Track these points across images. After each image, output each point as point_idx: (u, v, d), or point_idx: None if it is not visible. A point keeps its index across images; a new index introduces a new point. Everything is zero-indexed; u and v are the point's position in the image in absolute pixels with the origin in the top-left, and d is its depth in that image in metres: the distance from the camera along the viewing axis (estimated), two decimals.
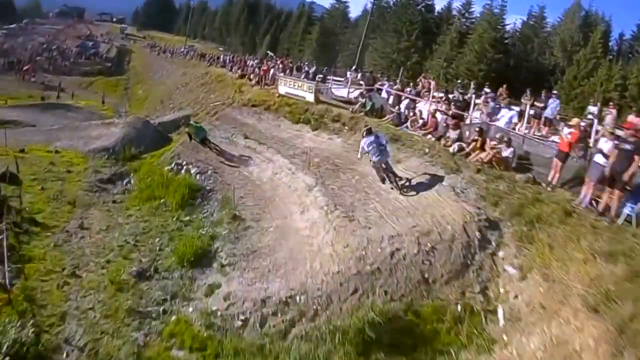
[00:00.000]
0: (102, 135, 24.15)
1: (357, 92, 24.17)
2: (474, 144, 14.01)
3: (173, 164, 19.17)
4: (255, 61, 35.60)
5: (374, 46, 50.27)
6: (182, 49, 58.40)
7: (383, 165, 12.41)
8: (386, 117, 18.35)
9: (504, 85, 21.28)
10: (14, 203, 15.66)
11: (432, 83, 23.07)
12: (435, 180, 12.81)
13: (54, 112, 31.79)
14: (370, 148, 12.16)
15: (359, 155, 13.56)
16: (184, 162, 19.12)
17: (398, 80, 29.27)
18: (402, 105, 19.24)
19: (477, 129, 14.35)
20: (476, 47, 42.85)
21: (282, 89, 23.15)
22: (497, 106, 17.78)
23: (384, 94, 20.89)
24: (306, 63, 31.99)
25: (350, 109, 19.81)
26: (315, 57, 54.48)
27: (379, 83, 22.20)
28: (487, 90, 21.97)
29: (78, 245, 13.36)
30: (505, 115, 16.48)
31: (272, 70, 27.82)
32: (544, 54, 44.28)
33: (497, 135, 14.07)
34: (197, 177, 17.90)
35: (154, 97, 42.61)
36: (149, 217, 15.15)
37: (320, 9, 71.51)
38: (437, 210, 11.43)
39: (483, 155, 13.31)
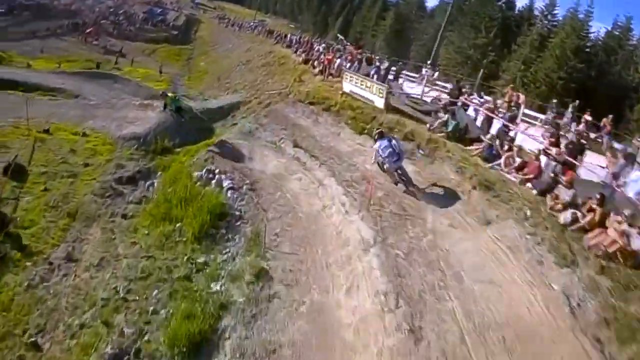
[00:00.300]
0: (138, 118, 21.38)
1: (432, 94, 20.22)
2: (591, 215, 9.33)
3: (204, 170, 15.76)
4: (322, 46, 31.29)
5: (450, 39, 45.54)
6: (251, 23, 55.06)
7: (398, 171, 11.66)
8: (473, 146, 13.66)
9: (610, 116, 16.62)
10: (8, 208, 13.13)
11: (522, 97, 18.09)
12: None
13: (100, 82, 29.64)
14: (386, 153, 11.30)
15: (372, 161, 12.71)
16: (217, 170, 15.66)
17: (477, 82, 24.15)
18: (493, 129, 14.48)
19: (597, 195, 9.55)
20: (557, 53, 38.66)
21: (347, 86, 18.91)
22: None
23: (470, 111, 16.13)
24: (377, 57, 27.27)
25: (428, 125, 15.29)
26: (387, 44, 51.10)
27: (465, 96, 17.25)
28: (588, 118, 16.81)
29: (56, 288, 10.34)
30: (638, 182, 10.99)
31: (338, 61, 23.51)
32: (628, 69, 38.76)
33: (627, 213, 9.13)
34: (229, 193, 14.37)
35: (214, 71, 39.71)
36: (155, 251, 11.82)
37: None
38: (547, 345, 7.09)
39: (606, 240, 8.70)
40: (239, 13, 71.82)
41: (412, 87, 22.63)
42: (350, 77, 18.98)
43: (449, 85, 21.04)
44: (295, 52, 33.93)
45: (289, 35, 41.61)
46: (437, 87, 22.61)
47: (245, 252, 11.63)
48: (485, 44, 43.23)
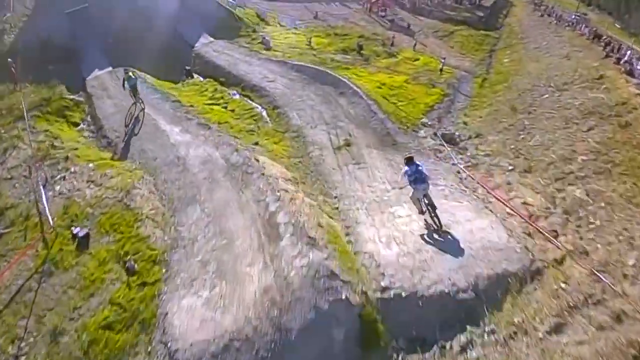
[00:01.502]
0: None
1: None
2: None
3: None
4: None
5: None
6: (572, 16, 35.46)
7: (425, 199, 10.56)
8: None
9: None
10: None
11: None
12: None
13: (321, 90, 18.56)
14: (412, 179, 10.40)
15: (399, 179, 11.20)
16: None
17: None
18: None
19: None
20: None
21: None
22: None
23: None
24: None
25: None
26: None
27: None
28: None
29: None
30: None
31: None
32: None
33: None
34: None
35: (515, 84, 22.89)
36: None
37: None
38: None
39: None
40: (558, 1, 48.81)
41: None
42: None
43: None
44: None
45: (626, 52, 20.83)
46: None
47: None
48: None
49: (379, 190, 12.34)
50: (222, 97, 18.29)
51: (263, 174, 11.22)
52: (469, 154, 15.60)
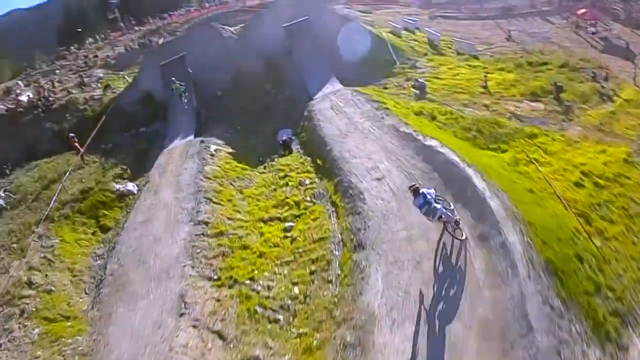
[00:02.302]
0: None
1: None
2: None
3: None
4: None
5: None
6: None
7: (442, 218, 9.25)
8: None
9: None
10: None
11: None
12: None
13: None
14: (423, 211, 9.15)
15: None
16: None
17: None
18: None
19: None
20: None
21: None
22: None
23: None
24: None
25: None
26: None
27: None
28: None
29: None
30: None
31: None
32: None
33: None
34: None
35: None
36: None
37: None
38: None
39: None
40: None
41: None
42: None
43: None
44: None
45: None
46: None
47: None
48: None
49: None
50: (297, 205, 12.05)
51: None
52: None
